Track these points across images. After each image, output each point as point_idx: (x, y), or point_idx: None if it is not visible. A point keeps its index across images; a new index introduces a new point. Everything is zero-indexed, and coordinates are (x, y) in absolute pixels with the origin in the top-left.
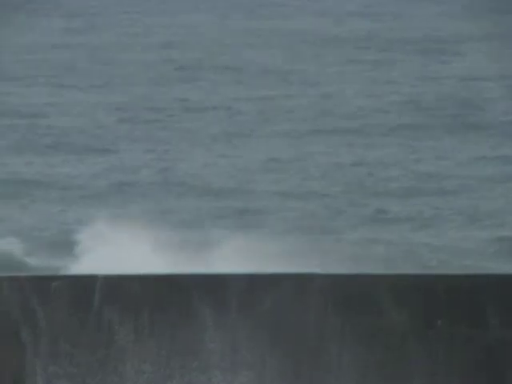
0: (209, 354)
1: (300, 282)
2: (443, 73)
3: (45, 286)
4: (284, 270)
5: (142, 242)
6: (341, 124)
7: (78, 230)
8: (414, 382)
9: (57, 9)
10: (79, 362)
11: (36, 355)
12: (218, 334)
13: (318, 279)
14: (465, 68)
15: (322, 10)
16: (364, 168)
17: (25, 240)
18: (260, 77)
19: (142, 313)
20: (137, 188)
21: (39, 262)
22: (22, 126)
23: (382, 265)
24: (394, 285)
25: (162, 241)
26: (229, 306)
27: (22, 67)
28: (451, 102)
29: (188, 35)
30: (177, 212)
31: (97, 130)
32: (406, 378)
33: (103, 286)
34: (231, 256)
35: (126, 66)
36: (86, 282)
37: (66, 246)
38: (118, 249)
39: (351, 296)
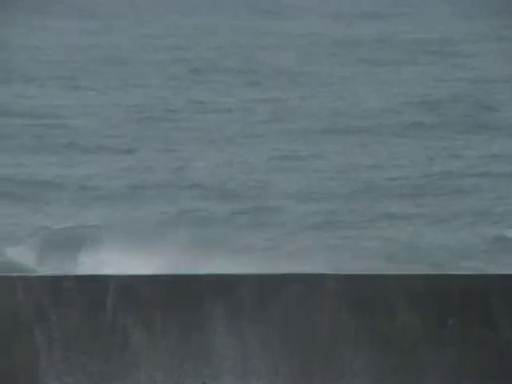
0: (221, 357)
1: (312, 282)
2: (456, 74)
3: (58, 285)
4: (296, 271)
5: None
6: (354, 124)
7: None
8: (426, 381)
9: (72, 10)
10: (93, 364)
11: (49, 356)
12: (229, 335)
13: (330, 280)
14: (477, 69)
15: (334, 11)
16: (377, 167)
17: (37, 243)
18: (274, 78)
19: (154, 314)
20: (152, 189)
21: (51, 266)
22: (37, 127)
23: (389, 262)
24: (407, 286)
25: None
26: (240, 307)
27: (37, 68)
28: (464, 102)
29: (202, 36)
30: (192, 212)
31: (112, 130)
32: (420, 381)
33: (117, 287)
34: (246, 254)
35: (140, 68)
36: (100, 283)
37: (78, 248)
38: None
39: (364, 297)
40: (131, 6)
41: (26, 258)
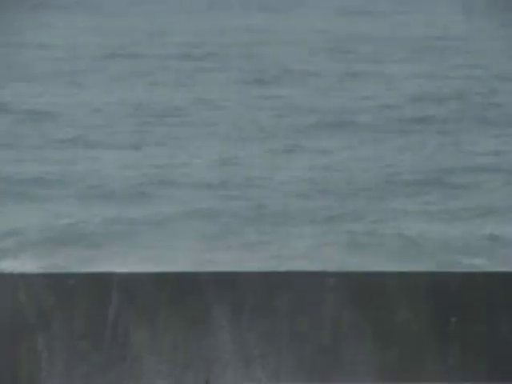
0: (224, 354)
1: (313, 280)
2: (461, 70)
3: (60, 284)
4: (299, 267)
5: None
6: (357, 119)
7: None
8: (428, 379)
9: (79, 6)
10: (97, 360)
11: (52, 354)
12: (232, 332)
13: (331, 277)
14: (481, 65)
15: (339, 7)
16: (378, 162)
17: (37, 242)
18: (279, 75)
19: (157, 311)
20: (157, 186)
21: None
22: (40, 124)
23: (393, 259)
24: (408, 283)
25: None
26: (243, 304)
27: (41, 65)
28: (465, 98)
29: (208, 34)
30: (197, 208)
31: (116, 127)
32: (420, 378)
33: (120, 284)
34: (247, 251)
35: (145, 65)
36: (103, 280)
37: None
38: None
39: (366, 295)
40: (135, 2)
41: (29, 256)
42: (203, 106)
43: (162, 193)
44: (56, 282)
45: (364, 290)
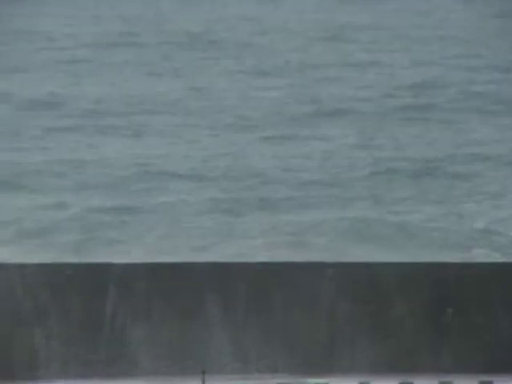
0: (219, 345)
1: (311, 270)
2: (461, 59)
3: (57, 274)
4: (296, 258)
5: None
6: (355, 107)
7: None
8: (424, 369)
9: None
10: (92, 353)
11: (49, 346)
12: (227, 323)
13: (329, 268)
14: (481, 55)
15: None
16: (374, 151)
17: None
18: (280, 67)
19: (153, 301)
20: (158, 177)
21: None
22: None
23: (388, 245)
24: (405, 274)
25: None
26: (239, 295)
27: (42, 56)
28: (465, 87)
29: (206, 23)
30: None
31: (115, 117)
32: (417, 366)
33: (116, 274)
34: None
35: (145, 54)
36: (100, 271)
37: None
38: None
39: (362, 285)
40: None
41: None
42: (202, 95)
43: (162, 184)
44: (53, 272)
45: (362, 280)
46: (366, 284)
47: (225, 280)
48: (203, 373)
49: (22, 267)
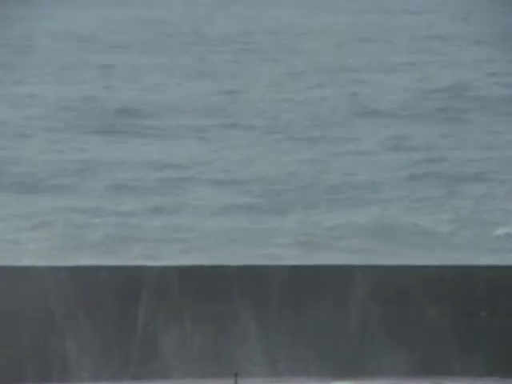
0: (252, 348)
1: (341, 273)
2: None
3: (90, 277)
4: (326, 261)
5: None
6: (379, 108)
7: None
8: (456, 373)
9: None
10: (127, 353)
11: (82, 348)
12: (260, 326)
13: (359, 271)
14: (497, 59)
15: (363, 6)
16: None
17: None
18: (310, 71)
19: (186, 303)
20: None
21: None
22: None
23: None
24: (435, 277)
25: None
26: (270, 298)
27: (44, 56)
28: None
29: (227, 25)
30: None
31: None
32: (448, 369)
33: (149, 277)
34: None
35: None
36: (133, 274)
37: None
38: None
39: (393, 288)
40: None
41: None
42: (233, 99)
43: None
44: (84, 275)
45: (393, 284)
46: (396, 287)
47: (257, 283)
48: (236, 375)
49: (54, 270)
